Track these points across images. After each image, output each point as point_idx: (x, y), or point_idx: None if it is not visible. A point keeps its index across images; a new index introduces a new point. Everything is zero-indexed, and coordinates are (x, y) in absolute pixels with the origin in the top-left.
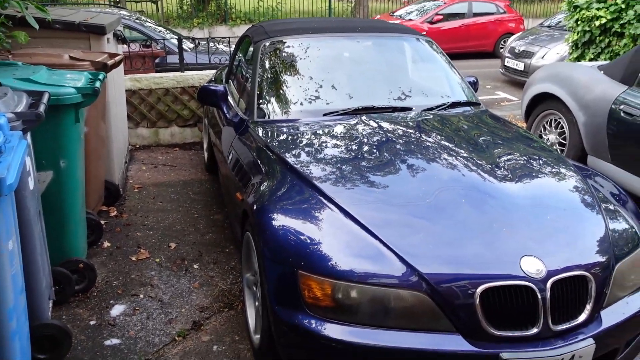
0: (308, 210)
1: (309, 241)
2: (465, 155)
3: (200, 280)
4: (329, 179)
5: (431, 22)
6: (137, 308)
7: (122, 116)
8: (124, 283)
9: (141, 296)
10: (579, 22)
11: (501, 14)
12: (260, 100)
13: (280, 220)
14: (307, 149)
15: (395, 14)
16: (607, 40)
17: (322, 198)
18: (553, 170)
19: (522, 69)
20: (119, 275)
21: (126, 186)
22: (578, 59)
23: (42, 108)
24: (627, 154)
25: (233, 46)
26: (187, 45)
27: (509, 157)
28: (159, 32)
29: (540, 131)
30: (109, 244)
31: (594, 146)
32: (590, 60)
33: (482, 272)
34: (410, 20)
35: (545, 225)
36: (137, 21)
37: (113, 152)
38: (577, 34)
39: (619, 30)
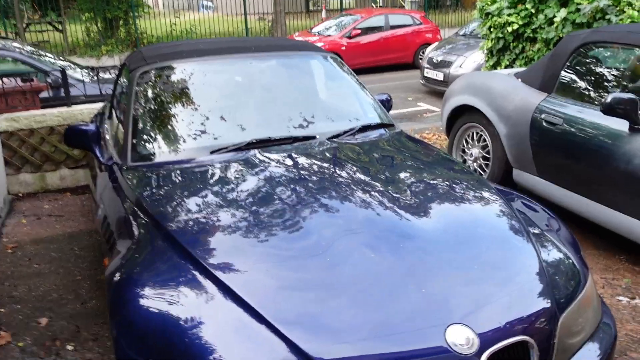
0: (181, 286)
1: (181, 331)
2: (375, 190)
3: None
4: (207, 241)
5: (350, 37)
6: None
7: None
8: None
9: None
10: (492, 29)
11: (417, 25)
12: (135, 140)
13: (143, 300)
14: (184, 201)
15: (313, 30)
16: (520, 45)
17: (198, 268)
18: (478, 202)
19: (442, 79)
20: None
21: None
22: (494, 66)
23: None
24: (552, 165)
25: None
26: (80, 75)
27: (425, 188)
28: (51, 64)
29: (463, 145)
30: None
31: (518, 159)
32: (507, 67)
33: (400, 349)
34: (329, 36)
35: (473, 278)
36: (28, 53)
37: None
38: (491, 41)
39: (531, 35)
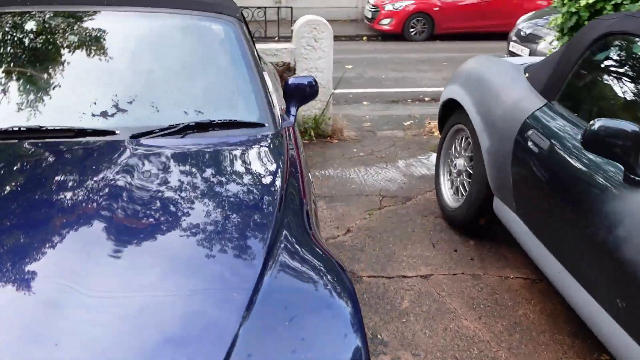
0: None
1: None
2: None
3: None
4: None
5: None
6: None
7: None
8: None
9: None
10: (565, 1)
11: None
12: None
13: None
14: None
15: None
16: None
17: None
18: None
19: (528, 56)
20: None
21: None
22: None
23: None
24: (530, 205)
25: None
26: None
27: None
28: None
29: (452, 151)
30: None
31: (499, 185)
32: None
33: None
34: None
35: None
36: None
37: None
38: (563, 15)
39: (611, 11)
